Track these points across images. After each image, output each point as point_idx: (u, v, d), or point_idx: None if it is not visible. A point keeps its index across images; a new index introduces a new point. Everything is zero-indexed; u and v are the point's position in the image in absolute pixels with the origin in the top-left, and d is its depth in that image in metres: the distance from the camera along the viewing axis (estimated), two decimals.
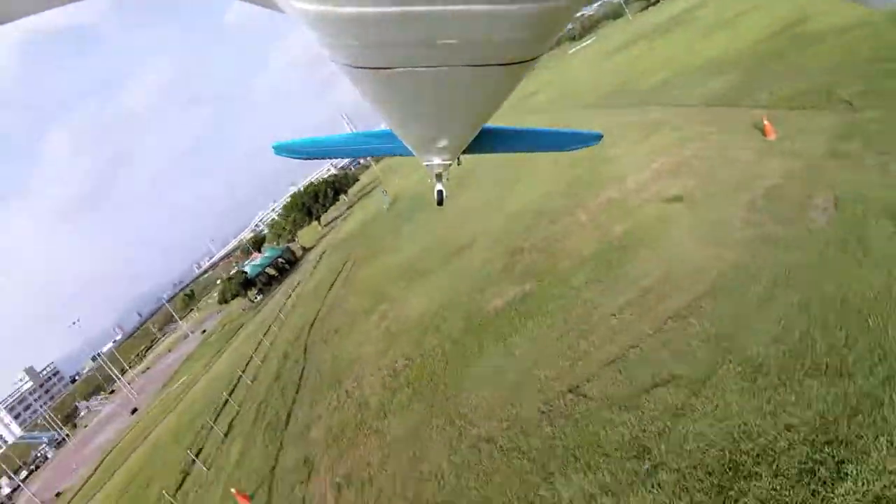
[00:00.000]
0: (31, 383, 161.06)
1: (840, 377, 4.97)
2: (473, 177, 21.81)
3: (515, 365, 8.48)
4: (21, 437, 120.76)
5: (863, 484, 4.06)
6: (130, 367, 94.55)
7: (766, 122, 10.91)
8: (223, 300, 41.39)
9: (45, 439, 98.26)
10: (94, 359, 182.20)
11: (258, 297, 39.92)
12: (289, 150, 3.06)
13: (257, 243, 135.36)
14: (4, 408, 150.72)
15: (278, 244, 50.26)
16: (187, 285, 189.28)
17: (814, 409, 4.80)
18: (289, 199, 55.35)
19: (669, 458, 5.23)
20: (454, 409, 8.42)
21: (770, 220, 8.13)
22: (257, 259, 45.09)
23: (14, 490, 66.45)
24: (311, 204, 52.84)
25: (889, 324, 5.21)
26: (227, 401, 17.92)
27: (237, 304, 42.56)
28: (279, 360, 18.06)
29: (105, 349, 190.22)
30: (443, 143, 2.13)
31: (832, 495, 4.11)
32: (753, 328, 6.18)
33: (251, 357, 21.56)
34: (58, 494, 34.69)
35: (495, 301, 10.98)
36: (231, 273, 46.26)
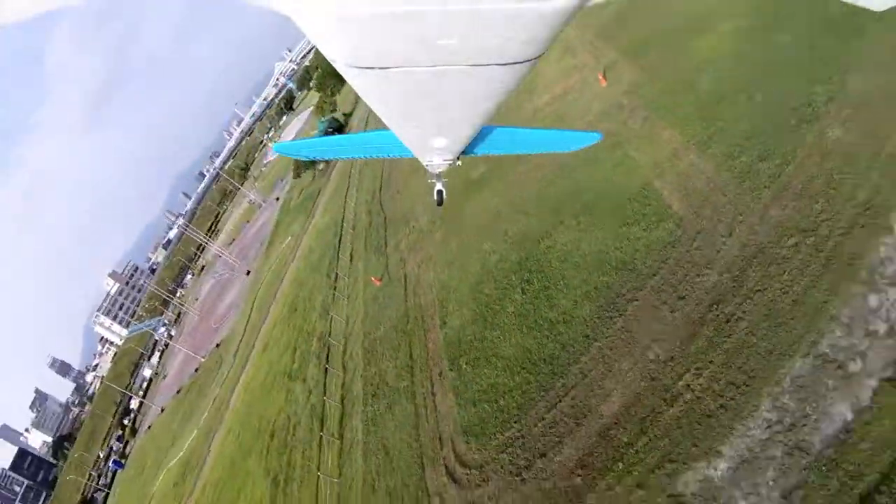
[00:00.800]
0: (117, 285, 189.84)
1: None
2: None
3: (490, 200, 20.69)
4: (133, 330, 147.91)
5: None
6: (211, 239, 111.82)
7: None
8: (297, 175, 54.72)
9: (155, 324, 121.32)
10: (164, 247, 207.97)
11: (321, 167, 52.55)
12: (289, 151, 3.49)
13: (288, 102, 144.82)
14: (102, 313, 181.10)
15: (322, 115, 61.54)
16: (230, 155, 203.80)
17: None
18: (319, 72, 65.88)
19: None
20: (460, 222, 20.96)
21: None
22: (313, 134, 56.68)
23: (154, 371, 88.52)
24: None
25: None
26: (340, 238, 31.48)
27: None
28: (365, 213, 31.03)
29: (171, 234, 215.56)
30: (443, 143, 2.42)
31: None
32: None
33: (343, 212, 34.68)
34: (217, 346, 51.52)
35: (479, 170, 22.87)
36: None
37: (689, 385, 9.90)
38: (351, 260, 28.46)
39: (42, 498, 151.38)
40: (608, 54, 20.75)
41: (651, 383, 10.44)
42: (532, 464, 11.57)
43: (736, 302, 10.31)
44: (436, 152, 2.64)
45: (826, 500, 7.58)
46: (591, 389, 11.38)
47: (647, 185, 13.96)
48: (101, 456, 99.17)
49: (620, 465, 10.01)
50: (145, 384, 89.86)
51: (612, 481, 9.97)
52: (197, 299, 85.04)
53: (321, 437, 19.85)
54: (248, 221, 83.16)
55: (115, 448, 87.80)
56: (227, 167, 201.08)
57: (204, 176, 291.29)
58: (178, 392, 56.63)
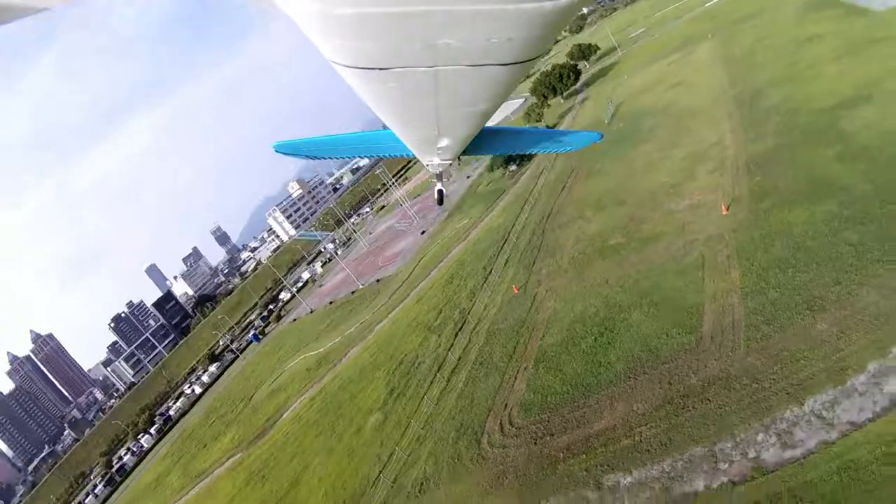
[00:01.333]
0: (300, 191, 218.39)
1: None
2: None
3: (608, 268, 29.18)
4: (302, 234, 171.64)
5: None
6: (398, 184, 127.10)
7: None
8: (490, 169, 65.75)
9: (322, 238, 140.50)
10: (353, 171, 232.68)
11: (513, 168, 62.70)
12: (290, 150, 3.68)
13: None
14: (280, 210, 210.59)
15: (529, 122, 71.70)
16: None
17: None
18: (537, 78, 76.30)
19: None
20: (586, 274, 29.75)
21: None
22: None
23: (312, 276, 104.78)
24: (556, 83, 73.56)
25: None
26: (504, 244, 41.35)
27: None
28: (530, 232, 40.43)
29: (363, 161, 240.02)
30: (443, 143, 2.54)
31: None
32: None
33: (514, 222, 44.38)
34: (378, 281, 64.33)
35: (616, 238, 31.27)
36: None
37: (618, 424, 18.42)
38: (505, 264, 38.24)
39: (168, 340, 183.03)
40: (742, 188, 27.84)
41: (608, 421, 19.07)
42: (543, 438, 20.82)
43: (693, 394, 18.46)
44: (436, 152, 2.79)
45: None
46: (593, 412, 20.28)
47: (698, 305, 21.94)
48: (237, 325, 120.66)
49: (584, 455, 18.93)
50: (300, 284, 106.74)
51: (572, 462, 18.95)
52: (370, 233, 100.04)
53: (435, 375, 30.35)
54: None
55: (255, 324, 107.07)
56: None
57: None
58: (330, 303, 71.25)
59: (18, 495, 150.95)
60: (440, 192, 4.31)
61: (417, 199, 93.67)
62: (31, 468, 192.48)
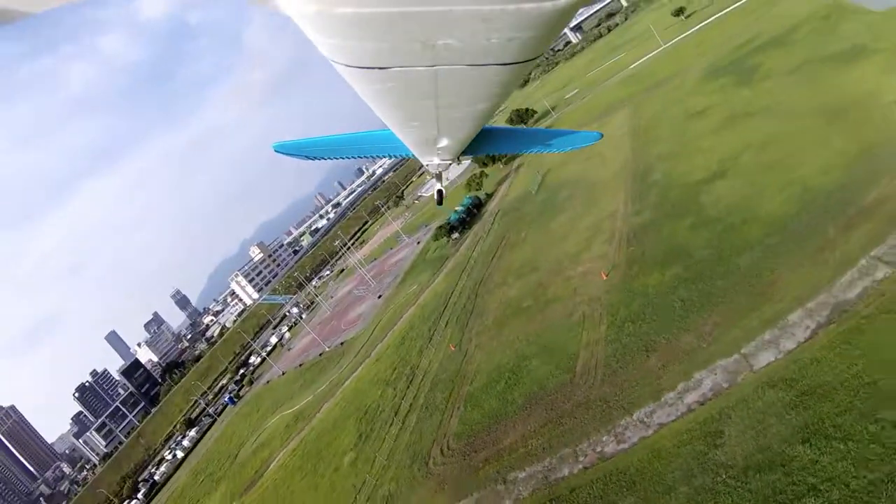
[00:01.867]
0: (261, 255, 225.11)
1: None
2: None
3: (508, 335, 38.39)
4: (266, 298, 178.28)
5: None
6: (355, 248, 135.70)
7: None
8: (436, 237, 75.25)
9: (286, 302, 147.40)
10: (311, 234, 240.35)
11: (456, 236, 72.19)
12: (289, 150, 3.67)
13: None
14: (242, 274, 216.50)
15: (469, 191, 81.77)
16: (392, 168, 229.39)
17: None
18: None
19: None
20: (500, 333, 38.92)
21: None
22: (458, 207, 76.85)
23: (280, 340, 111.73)
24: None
25: None
26: (445, 307, 50.28)
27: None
28: (466, 297, 49.46)
29: (320, 224, 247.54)
30: (443, 143, 2.53)
31: None
32: None
33: (455, 287, 53.40)
34: (342, 343, 72.57)
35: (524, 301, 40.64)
36: (440, 224, 79.05)
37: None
38: (445, 325, 47.16)
39: (138, 408, 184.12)
40: (621, 256, 37.09)
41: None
42: (469, 455, 29.42)
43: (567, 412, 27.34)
44: (436, 152, 2.79)
45: None
46: (502, 433, 29.06)
47: (575, 352, 31.05)
48: (209, 390, 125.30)
49: (496, 463, 27.57)
50: (269, 347, 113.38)
51: (488, 468, 27.55)
52: (332, 297, 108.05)
53: (393, 419, 38.73)
54: (391, 248, 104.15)
55: (230, 388, 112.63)
56: (386, 179, 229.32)
57: (363, 173, 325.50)
58: (300, 365, 78.71)
59: None
60: (440, 192, 4.21)
61: (375, 263, 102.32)
62: None
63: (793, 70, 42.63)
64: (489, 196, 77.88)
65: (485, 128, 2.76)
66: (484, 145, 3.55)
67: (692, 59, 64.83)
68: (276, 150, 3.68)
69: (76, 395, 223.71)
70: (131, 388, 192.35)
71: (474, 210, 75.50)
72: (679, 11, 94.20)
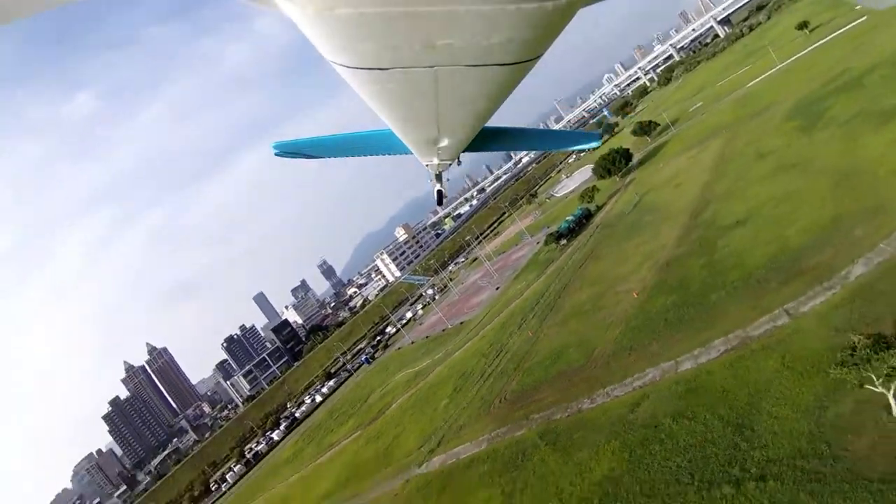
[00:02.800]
0: (405, 236, 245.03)
1: None
2: None
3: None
4: (407, 277, 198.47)
5: None
6: (484, 240, 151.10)
7: None
8: (546, 244, 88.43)
9: (424, 283, 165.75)
10: (454, 218, 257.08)
11: (563, 243, 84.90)
12: (288, 150, 3.70)
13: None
14: (387, 253, 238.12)
15: (582, 202, 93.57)
16: (537, 159, 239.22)
17: None
18: (597, 162, 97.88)
19: None
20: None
21: None
22: (569, 216, 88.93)
23: (413, 315, 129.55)
24: (610, 166, 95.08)
25: None
26: (535, 306, 64.23)
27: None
28: (552, 297, 63.02)
29: (463, 209, 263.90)
30: (443, 143, 2.54)
31: None
32: None
33: (547, 289, 66.96)
34: (461, 323, 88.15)
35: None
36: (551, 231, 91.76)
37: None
38: (532, 317, 61.12)
39: (281, 361, 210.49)
40: (651, 281, 48.92)
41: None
42: (515, 405, 43.87)
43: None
44: (436, 152, 2.80)
45: None
46: (539, 394, 43.20)
47: (595, 346, 44.00)
48: (349, 351, 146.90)
49: (528, 409, 41.82)
50: (404, 321, 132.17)
51: (522, 412, 41.82)
52: (462, 283, 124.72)
53: (478, 380, 53.91)
54: (516, 244, 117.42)
55: (367, 350, 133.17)
56: (529, 169, 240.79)
57: (511, 158, 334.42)
58: (426, 337, 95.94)
59: (143, 484, 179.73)
60: (440, 192, 4.13)
61: (501, 257, 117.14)
62: (154, 463, 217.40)
63: (845, 121, 49.46)
64: (598, 208, 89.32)
65: (485, 127, 2.77)
66: (485, 143, 3.59)
67: (791, 89, 70.99)
68: (274, 150, 3.69)
69: (224, 344, 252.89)
70: (278, 343, 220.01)
71: (583, 220, 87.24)
72: (803, 25, 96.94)
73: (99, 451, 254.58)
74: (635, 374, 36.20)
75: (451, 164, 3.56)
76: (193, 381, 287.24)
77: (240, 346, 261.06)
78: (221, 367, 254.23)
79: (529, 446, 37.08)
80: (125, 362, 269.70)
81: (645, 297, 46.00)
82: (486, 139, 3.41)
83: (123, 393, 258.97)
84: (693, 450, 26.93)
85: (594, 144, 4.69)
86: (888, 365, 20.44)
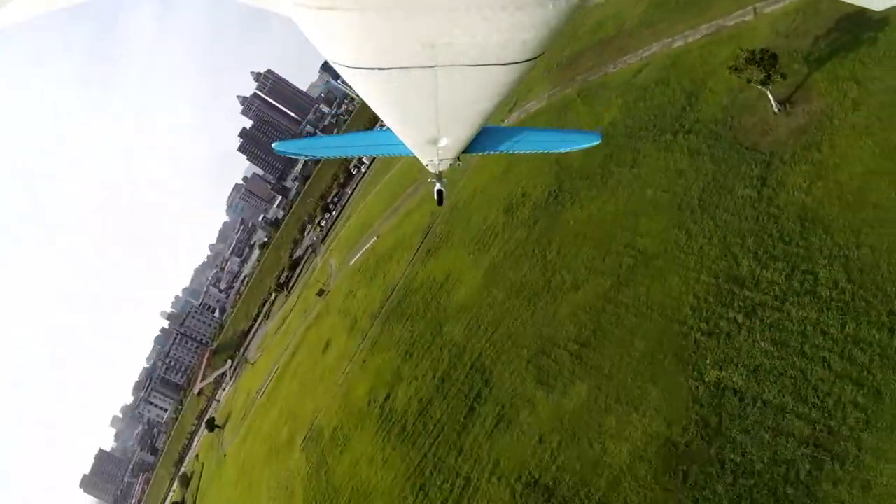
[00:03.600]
0: None
1: None
2: None
3: None
4: None
5: None
6: None
7: None
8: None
9: None
10: None
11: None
12: (290, 149, 3.66)
13: None
14: None
15: None
16: None
17: None
18: None
19: None
20: None
21: None
22: None
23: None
24: None
25: None
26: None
27: None
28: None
29: None
30: (443, 142, 2.55)
31: None
32: None
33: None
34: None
35: None
36: None
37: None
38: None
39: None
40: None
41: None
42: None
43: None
44: (436, 152, 2.78)
45: None
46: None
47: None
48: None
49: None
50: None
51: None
52: None
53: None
54: None
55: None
56: None
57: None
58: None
59: (294, 189, 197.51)
60: (440, 192, 4.03)
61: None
62: (297, 169, 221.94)
63: None
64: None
65: (485, 127, 2.72)
66: (484, 144, 3.53)
67: None
68: (276, 150, 3.64)
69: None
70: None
71: None
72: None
73: (245, 178, 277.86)
74: (644, 47, 51.22)
75: (451, 163, 3.59)
76: (304, 87, 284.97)
77: None
78: (326, 67, 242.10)
79: (570, 101, 55.49)
80: (238, 96, 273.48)
81: None
82: (487, 139, 3.58)
83: (247, 123, 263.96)
84: (659, 108, 45.04)
85: (595, 143, 4.92)
86: (760, 75, 34.44)
